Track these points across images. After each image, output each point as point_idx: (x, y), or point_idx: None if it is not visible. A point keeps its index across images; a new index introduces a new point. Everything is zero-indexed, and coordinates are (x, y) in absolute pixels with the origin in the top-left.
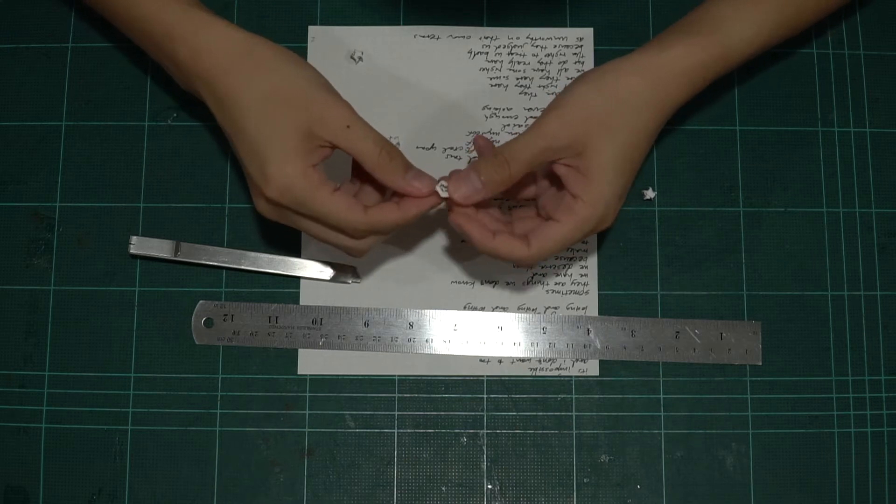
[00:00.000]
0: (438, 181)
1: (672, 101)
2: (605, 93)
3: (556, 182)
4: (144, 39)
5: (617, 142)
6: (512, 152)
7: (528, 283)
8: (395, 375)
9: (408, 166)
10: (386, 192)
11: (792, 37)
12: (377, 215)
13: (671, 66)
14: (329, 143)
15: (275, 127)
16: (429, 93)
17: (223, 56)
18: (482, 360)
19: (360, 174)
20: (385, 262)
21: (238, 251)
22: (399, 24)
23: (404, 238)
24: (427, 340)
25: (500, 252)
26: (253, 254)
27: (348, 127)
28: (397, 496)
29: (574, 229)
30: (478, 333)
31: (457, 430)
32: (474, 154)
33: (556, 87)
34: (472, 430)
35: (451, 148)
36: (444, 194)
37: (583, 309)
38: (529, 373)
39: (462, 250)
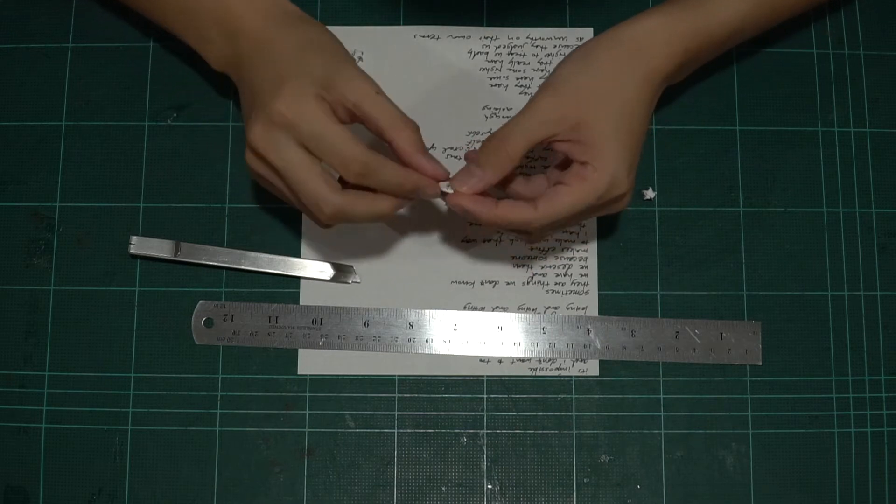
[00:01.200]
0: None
1: (656, 69)
2: (589, 68)
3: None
4: (190, 17)
5: (611, 111)
6: (506, 132)
7: (528, 283)
8: (395, 375)
9: (425, 148)
10: None
11: (779, 20)
12: (376, 160)
13: (651, 35)
14: (352, 107)
15: (305, 63)
16: (429, 93)
17: (271, 11)
18: (482, 360)
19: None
20: (385, 262)
21: (238, 251)
22: (399, 24)
23: (404, 238)
24: (427, 340)
25: (506, 217)
26: (253, 254)
27: (377, 93)
28: (397, 496)
29: (583, 193)
30: (478, 333)
31: (457, 430)
32: None
33: None
34: (472, 430)
35: (451, 148)
36: (448, 191)
37: (583, 309)
38: (529, 373)
39: (462, 250)
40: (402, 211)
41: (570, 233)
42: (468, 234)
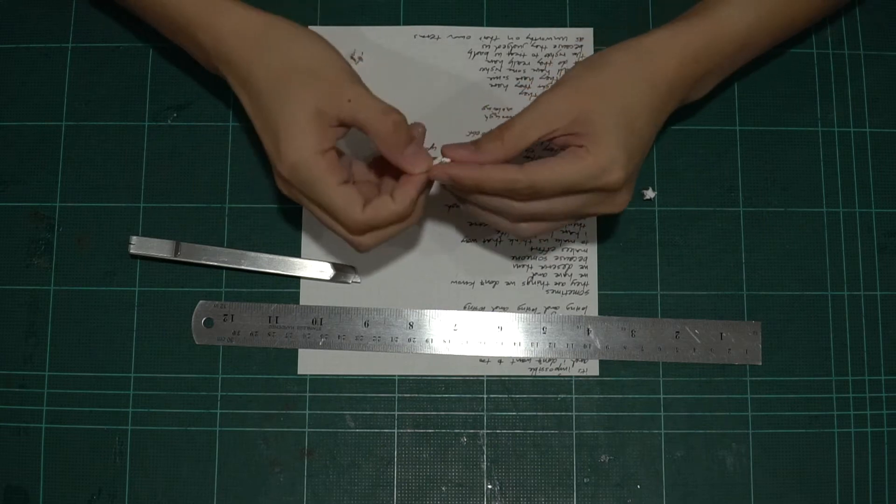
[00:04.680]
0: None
1: (661, 73)
2: (597, 68)
3: None
4: (169, 26)
5: (613, 108)
6: (508, 122)
7: (528, 283)
8: (395, 375)
9: (409, 142)
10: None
11: (786, 33)
12: (371, 212)
13: (657, 41)
14: (338, 122)
15: (287, 104)
16: (429, 93)
17: (240, 40)
18: (482, 360)
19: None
20: (385, 262)
21: (238, 251)
22: (399, 24)
23: (404, 238)
24: (427, 340)
25: (490, 177)
26: (253, 254)
27: (349, 101)
28: (397, 496)
29: (573, 168)
30: (478, 333)
31: (457, 430)
32: None
33: None
34: (472, 430)
35: None
36: (438, 161)
37: (583, 309)
38: (529, 373)
39: (462, 250)
40: None
41: (570, 233)
42: (468, 234)
